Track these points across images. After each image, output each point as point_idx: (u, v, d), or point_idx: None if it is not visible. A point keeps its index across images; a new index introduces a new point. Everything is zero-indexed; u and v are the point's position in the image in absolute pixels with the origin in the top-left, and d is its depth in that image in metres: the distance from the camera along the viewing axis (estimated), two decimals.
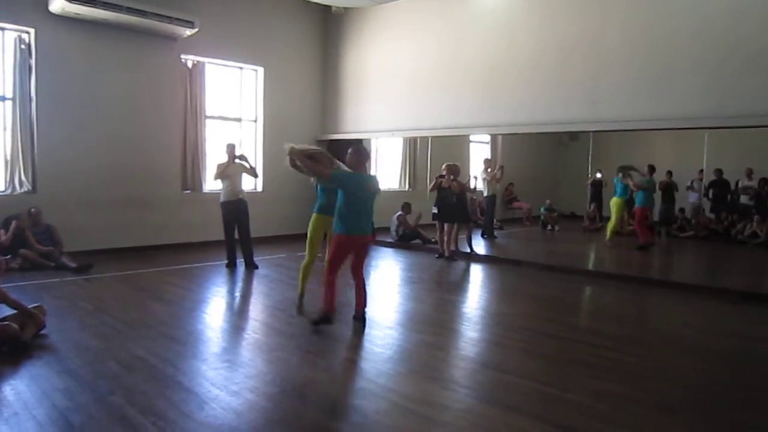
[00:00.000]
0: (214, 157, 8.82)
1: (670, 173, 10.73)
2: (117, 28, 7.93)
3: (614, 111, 7.09)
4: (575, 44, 7.41)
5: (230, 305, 5.78)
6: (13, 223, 7.08)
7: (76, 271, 6.75)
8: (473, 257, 8.53)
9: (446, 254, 8.43)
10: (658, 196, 10.36)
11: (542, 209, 12.25)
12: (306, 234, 5.44)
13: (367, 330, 4.70)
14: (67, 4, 7.07)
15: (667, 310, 5.83)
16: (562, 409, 3.23)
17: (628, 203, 10.03)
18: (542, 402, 3.33)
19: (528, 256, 8.49)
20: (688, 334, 5.02)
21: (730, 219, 10.58)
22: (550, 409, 3.22)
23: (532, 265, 7.93)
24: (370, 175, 4.85)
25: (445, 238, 8.44)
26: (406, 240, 9.63)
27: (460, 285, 7.15)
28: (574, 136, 12.50)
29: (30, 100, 7.52)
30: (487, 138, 12.39)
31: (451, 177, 8.22)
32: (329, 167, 4.94)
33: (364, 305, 4.86)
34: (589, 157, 11.30)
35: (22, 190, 7.53)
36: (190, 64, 9.03)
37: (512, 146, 12.56)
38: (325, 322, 4.66)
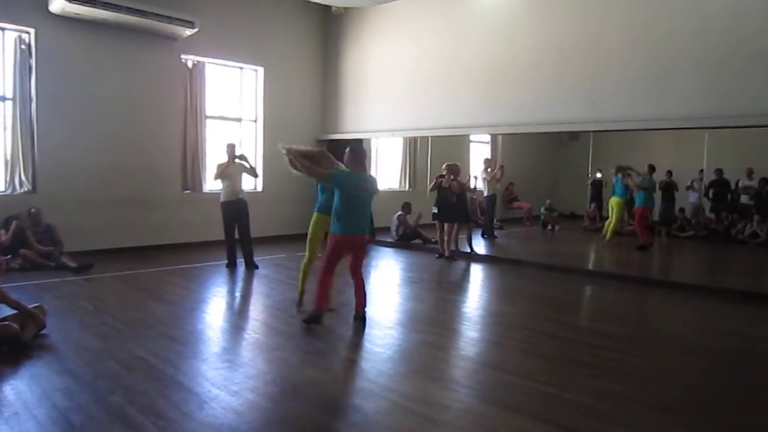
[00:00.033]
0: (214, 157, 8.82)
1: (670, 173, 10.73)
2: (117, 28, 7.93)
3: (614, 111, 7.09)
4: (575, 44, 7.41)
5: (230, 305, 5.78)
6: (14, 223, 7.08)
7: (76, 271, 6.75)
8: (473, 257, 8.53)
9: (446, 254, 8.43)
10: (658, 195, 10.37)
11: (542, 209, 12.26)
12: (306, 234, 5.44)
13: (367, 330, 4.70)
14: (67, 4, 7.07)
15: (667, 310, 5.83)
16: (562, 408, 3.23)
17: (628, 203, 10.03)
18: (542, 402, 3.33)
19: (528, 256, 8.50)
20: (688, 334, 5.02)
21: (730, 219, 10.59)
22: (550, 409, 3.22)
23: (533, 264, 7.93)
24: (367, 175, 4.84)
25: (446, 238, 8.44)
26: (407, 240, 9.63)
27: (460, 285, 7.15)
28: (574, 135, 12.51)
29: (30, 100, 7.52)
30: (488, 138, 12.40)
31: (452, 177, 8.22)
32: (329, 167, 4.93)
33: (364, 305, 4.86)
34: (590, 157, 11.31)
35: (23, 190, 7.53)
36: (190, 64, 9.04)
37: (512, 146, 12.57)
38: (314, 322, 4.68)
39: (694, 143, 10.35)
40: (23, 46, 7.45)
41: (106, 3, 7.26)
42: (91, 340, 4.27)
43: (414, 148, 11.38)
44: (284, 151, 4.81)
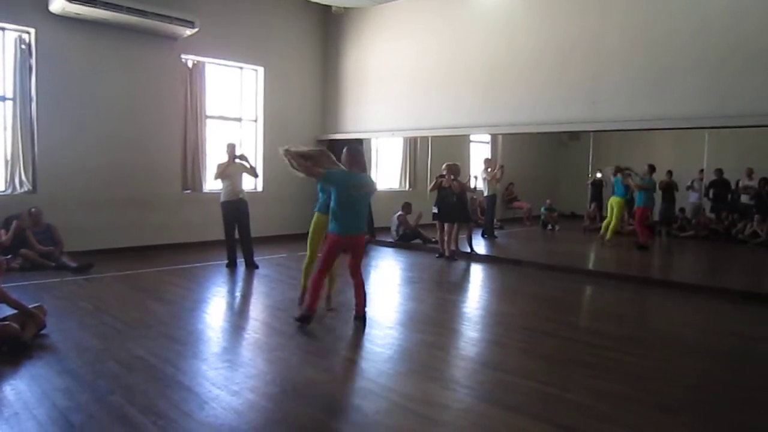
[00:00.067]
0: (214, 156, 8.82)
1: (670, 173, 10.73)
2: (117, 28, 7.93)
3: (614, 111, 7.09)
4: (575, 44, 7.41)
5: (230, 305, 5.78)
6: (14, 223, 7.08)
7: (76, 271, 6.75)
8: (473, 257, 8.53)
9: (446, 254, 8.43)
10: (658, 195, 10.37)
11: (542, 209, 12.26)
12: (306, 233, 5.44)
13: (367, 330, 4.70)
14: (68, 4, 7.07)
15: (667, 310, 5.83)
16: (562, 408, 3.23)
17: (628, 203, 10.03)
18: (542, 402, 3.33)
19: (528, 256, 8.49)
20: (688, 333, 5.02)
21: (730, 219, 10.59)
22: (550, 409, 3.22)
23: (533, 264, 7.93)
24: (363, 175, 4.83)
25: (446, 238, 8.44)
26: (407, 240, 9.63)
27: (460, 285, 7.15)
28: (574, 135, 12.50)
29: (30, 100, 7.52)
30: (488, 138, 12.40)
31: (452, 177, 8.22)
32: (329, 166, 4.95)
33: (364, 305, 4.86)
34: (590, 157, 11.31)
35: (23, 190, 7.54)
36: (190, 64, 9.04)
37: (512, 146, 12.57)
38: (304, 321, 4.69)
39: (695, 143, 10.35)
40: (23, 46, 7.45)
41: (107, 3, 7.27)
42: (91, 339, 4.27)
43: (414, 148, 11.38)
44: (283, 153, 4.83)
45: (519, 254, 8.77)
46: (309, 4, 9.81)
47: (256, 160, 9.55)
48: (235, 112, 9.90)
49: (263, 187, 9.79)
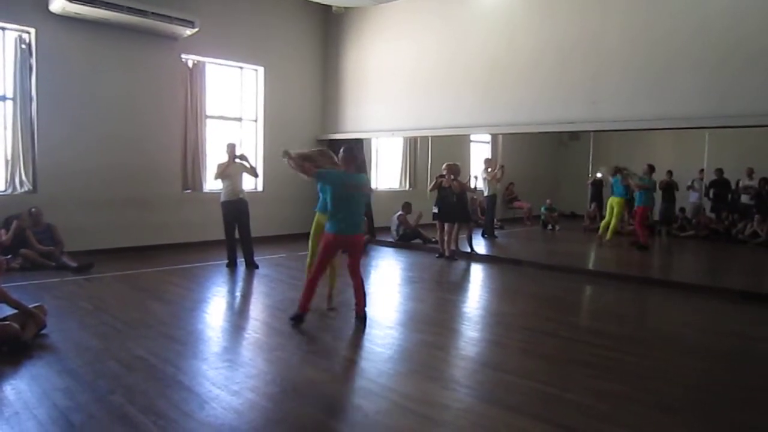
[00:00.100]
0: (214, 156, 8.82)
1: (670, 173, 10.74)
2: (117, 28, 7.93)
3: (614, 111, 7.09)
4: (575, 44, 7.41)
5: (231, 305, 5.78)
6: (14, 223, 7.08)
7: (76, 271, 6.75)
8: (474, 257, 8.53)
9: (447, 254, 8.43)
10: (658, 195, 10.38)
11: (543, 209, 12.26)
12: (307, 233, 5.45)
13: (367, 329, 4.70)
14: (68, 3, 7.07)
15: (667, 310, 5.84)
16: (562, 408, 3.23)
17: (628, 203, 10.03)
18: (542, 402, 3.33)
19: (528, 256, 8.49)
20: (689, 333, 5.02)
21: (730, 218, 10.59)
22: (550, 409, 3.22)
23: (533, 264, 7.93)
24: (358, 174, 4.84)
25: (446, 238, 8.44)
26: (407, 239, 9.63)
27: (460, 285, 7.15)
28: (574, 135, 12.52)
29: (30, 99, 7.53)
30: (488, 138, 12.41)
31: (452, 176, 8.22)
32: (330, 166, 4.96)
33: (364, 305, 4.87)
34: (590, 157, 11.31)
35: (23, 190, 7.54)
36: (190, 64, 9.04)
37: (513, 146, 12.57)
38: (296, 321, 4.73)
39: (695, 143, 10.36)
40: (23, 46, 7.45)
41: (107, 3, 7.27)
42: (91, 339, 4.27)
43: (414, 148, 11.38)
44: (282, 154, 4.88)
45: (519, 254, 8.77)
46: (309, 4, 9.82)
47: (256, 160, 9.56)
48: (235, 112, 9.90)
49: (263, 187, 9.79)
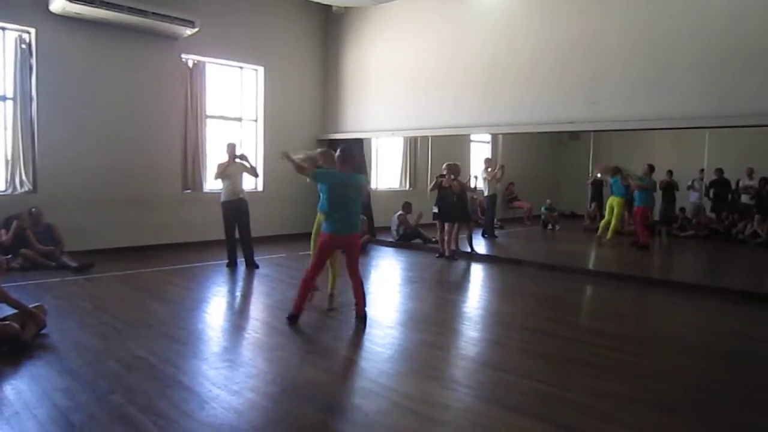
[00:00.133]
0: (214, 156, 8.82)
1: (670, 172, 10.74)
2: (117, 28, 7.93)
3: (614, 111, 7.09)
4: (575, 44, 7.41)
5: (231, 305, 5.78)
6: (14, 223, 7.09)
7: (76, 271, 6.75)
8: (474, 257, 8.53)
9: (447, 254, 8.43)
10: (658, 195, 10.38)
11: (543, 208, 12.26)
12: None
13: (367, 329, 4.70)
14: (68, 3, 7.07)
15: (667, 310, 5.84)
16: (562, 408, 3.23)
17: (628, 203, 10.03)
18: (543, 401, 3.33)
19: (528, 256, 8.49)
20: (689, 333, 5.02)
21: (730, 218, 10.59)
22: (550, 409, 3.22)
23: (533, 264, 7.93)
24: (354, 174, 4.84)
25: (446, 238, 8.44)
26: (407, 239, 9.63)
27: (460, 284, 7.15)
28: (574, 135, 12.53)
29: (30, 99, 7.53)
30: (488, 137, 12.42)
31: (452, 176, 8.22)
32: (329, 166, 4.98)
33: (364, 305, 4.88)
34: (590, 157, 11.32)
35: (23, 190, 7.54)
36: (190, 64, 9.04)
37: (513, 146, 12.58)
38: (292, 320, 4.76)
39: (695, 143, 10.37)
40: (24, 46, 7.45)
41: (107, 3, 7.27)
42: (91, 339, 4.27)
43: (414, 147, 11.39)
44: (281, 156, 4.92)
45: (519, 254, 8.77)
46: (309, 4, 9.82)
47: (257, 159, 9.56)
48: (235, 111, 9.90)
49: (263, 187, 9.79)
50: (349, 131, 10.31)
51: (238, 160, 7.22)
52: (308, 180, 4.94)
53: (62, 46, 7.65)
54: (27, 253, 6.92)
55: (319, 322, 4.92)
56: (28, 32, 7.49)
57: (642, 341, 4.64)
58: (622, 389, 3.52)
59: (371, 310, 5.02)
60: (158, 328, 4.62)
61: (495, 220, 10.80)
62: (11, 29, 7.42)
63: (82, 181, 7.88)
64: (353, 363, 4.11)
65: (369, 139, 10.46)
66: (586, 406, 3.26)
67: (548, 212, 12.16)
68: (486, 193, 10.25)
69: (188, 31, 8.26)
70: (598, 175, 11.26)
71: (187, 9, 8.29)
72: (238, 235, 7.29)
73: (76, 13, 7.36)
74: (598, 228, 10.20)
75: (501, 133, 11.03)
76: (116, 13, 7.45)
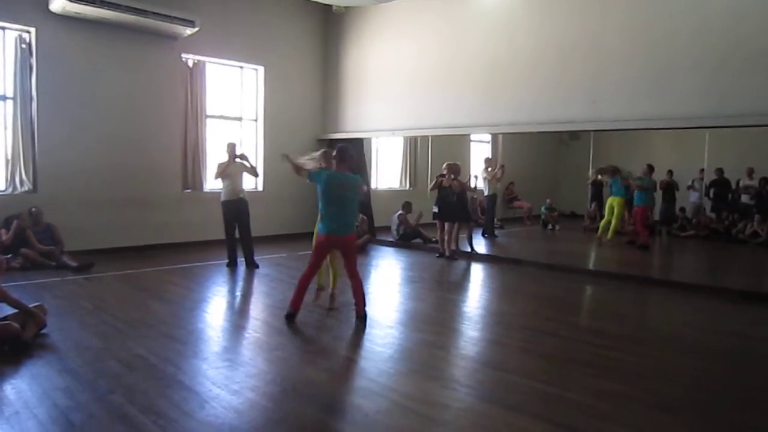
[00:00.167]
0: (214, 156, 8.82)
1: (670, 172, 10.74)
2: (118, 28, 7.94)
3: (614, 110, 7.09)
4: (575, 44, 7.41)
5: (231, 304, 5.79)
6: (14, 223, 7.09)
7: (76, 271, 6.75)
8: (474, 256, 8.53)
9: (447, 253, 8.43)
10: (658, 195, 10.38)
11: (543, 208, 12.26)
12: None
13: (367, 329, 4.70)
14: (68, 3, 7.07)
15: (667, 310, 5.84)
16: (562, 408, 3.23)
17: (627, 202, 10.03)
18: (543, 401, 3.33)
19: (528, 255, 8.49)
20: (689, 333, 5.02)
21: (730, 218, 10.59)
22: (550, 408, 3.22)
23: (533, 264, 7.93)
24: (349, 175, 4.84)
25: (446, 237, 8.44)
26: (407, 239, 9.63)
27: (460, 284, 7.15)
28: (574, 135, 12.53)
29: (31, 99, 7.53)
30: (488, 137, 12.42)
31: (452, 176, 8.22)
32: (329, 166, 4.98)
33: (364, 304, 4.88)
34: (590, 157, 11.31)
35: (23, 190, 7.54)
36: (190, 64, 9.04)
37: (513, 145, 12.58)
38: (288, 319, 4.78)
39: (695, 143, 10.36)
40: (24, 46, 7.45)
41: (107, 2, 7.27)
42: (91, 339, 4.27)
43: (414, 147, 11.39)
44: (281, 158, 4.95)
45: (519, 254, 8.77)
46: (309, 4, 9.81)
47: (257, 159, 9.56)
48: (235, 111, 9.90)
49: (263, 187, 9.79)
50: (349, 131, 10.31)
51: (238, 159, 7.22)
52: (307, 181, 4.95)
53: (62, 45, 7.65)
54: (27, 253, 6.93)
55: (319, 322, 4.92)
56: (28, 32, 7.49)
57: (642, 341, 4.64)
58: (622, 389, 3.53)
59: (371, 309, 5.02)
60: (158, 327, 4.62)
61: (495, 219, 10.80)
62: (11, 29, 7.42)
63: (82, 180, 7.88)
64: (353, 363, 4.11)
65: (369, 139, 10.46)
66: (586, 406, 3.26)
67: (548, 212, 12.16)
68: (486, 193, 10.26)
69: (188, 31, 8.26)
70: (598, 177, 11.26)
71: (187, 9, 8.29)
72: (238, 234, 7.30)
73: (76, 12, 7.36)
74: (598, 228, 10.19)
75: (501, 133, 11.02)
76: (116, 13, 7.45)
